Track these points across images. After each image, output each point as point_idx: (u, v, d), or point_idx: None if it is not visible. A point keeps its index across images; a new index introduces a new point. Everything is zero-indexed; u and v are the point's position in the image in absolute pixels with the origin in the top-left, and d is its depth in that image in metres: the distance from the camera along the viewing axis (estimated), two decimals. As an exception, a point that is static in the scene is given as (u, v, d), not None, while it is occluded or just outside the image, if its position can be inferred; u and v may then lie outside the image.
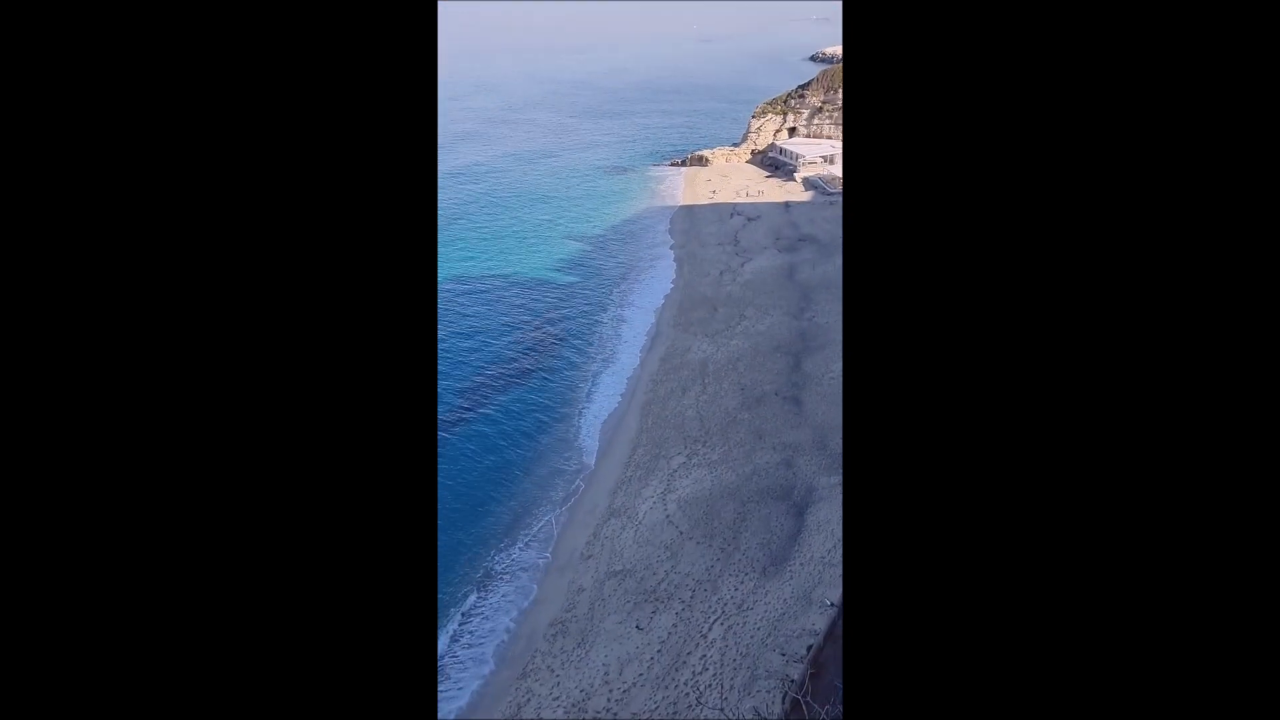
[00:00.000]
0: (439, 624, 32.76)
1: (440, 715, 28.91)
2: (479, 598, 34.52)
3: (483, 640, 32.55)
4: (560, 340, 58.54)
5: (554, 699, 28.73)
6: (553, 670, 29.99)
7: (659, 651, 30.04)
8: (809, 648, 28.73)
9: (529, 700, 28.81)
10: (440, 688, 30.20)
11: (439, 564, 34.51)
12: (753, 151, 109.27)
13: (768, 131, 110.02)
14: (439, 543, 34.93)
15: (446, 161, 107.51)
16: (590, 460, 43.94)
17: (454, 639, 32.67)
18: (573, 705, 28.33)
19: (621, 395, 50.33)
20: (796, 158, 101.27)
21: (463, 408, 48.56)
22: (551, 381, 52.53)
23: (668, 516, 37.73)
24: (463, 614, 33.68)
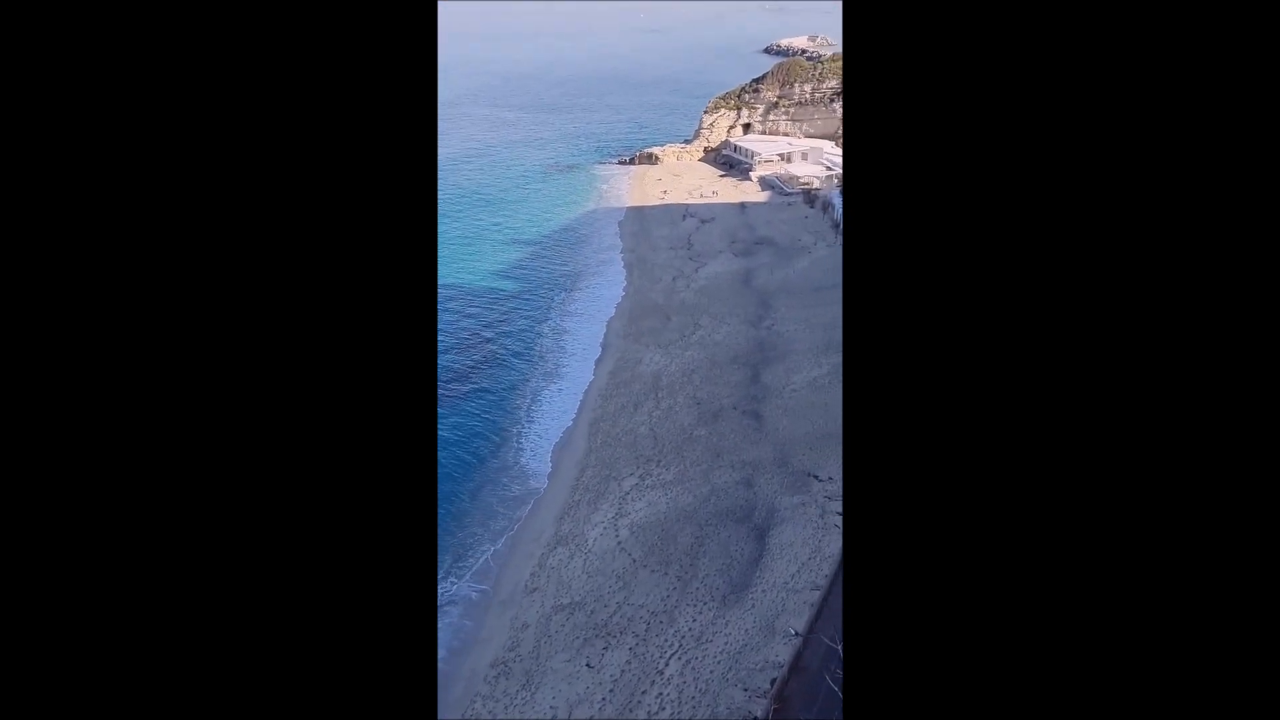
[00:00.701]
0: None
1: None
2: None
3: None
4: (501, 354, 58.26)
5: (497, 747, 28.43)
6: (494, 715, 29.65)
7: (611, 691, 29.93)
8: (773, 681, 28.94)
9: (469, 749, 28.46)
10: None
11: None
12: (705, 149, 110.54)
13: (721, 128, 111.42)
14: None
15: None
16: (537, 483, 43.74)
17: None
18: (518, 753, 28.06)
19: (574, 415, 50.19)
20: (752, 156, 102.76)
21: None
22: (494, 398, 52.18)
23: (619, 543, 37.69)
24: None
